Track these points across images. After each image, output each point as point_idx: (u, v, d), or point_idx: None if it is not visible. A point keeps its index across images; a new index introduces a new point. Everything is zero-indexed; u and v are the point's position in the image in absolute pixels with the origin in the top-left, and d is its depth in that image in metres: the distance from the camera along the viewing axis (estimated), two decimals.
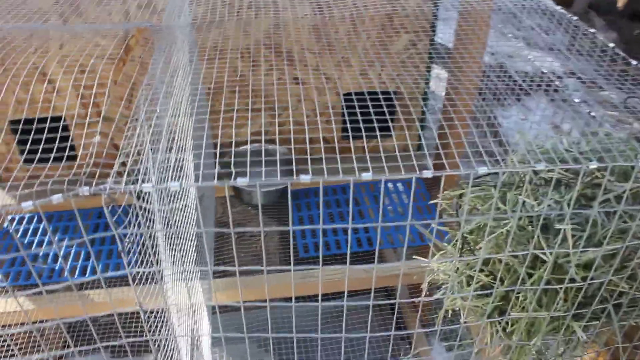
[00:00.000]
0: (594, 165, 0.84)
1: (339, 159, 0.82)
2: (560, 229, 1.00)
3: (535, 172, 1.12)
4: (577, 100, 1.22)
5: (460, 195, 1.21)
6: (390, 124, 1.39)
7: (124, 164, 0.82)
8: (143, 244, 0.95)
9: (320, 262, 0.91)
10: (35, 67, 1.88)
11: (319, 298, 1.00)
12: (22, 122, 1.95)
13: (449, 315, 1.27)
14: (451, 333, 2.60)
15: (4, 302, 1.75)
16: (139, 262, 0.93)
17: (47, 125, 1.29)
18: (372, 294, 0.97)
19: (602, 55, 1.30)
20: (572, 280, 1.00)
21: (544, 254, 1.01)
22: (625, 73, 1.20)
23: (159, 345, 1.03)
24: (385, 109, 1.25)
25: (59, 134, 1.20)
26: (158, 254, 0.92)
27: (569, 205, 1.00)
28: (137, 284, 0.91)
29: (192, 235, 1.42)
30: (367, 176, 0.79)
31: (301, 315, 2.45)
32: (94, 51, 1.88)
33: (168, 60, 1.22)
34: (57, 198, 0.78)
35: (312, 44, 1.99)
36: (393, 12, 1.98)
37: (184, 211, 1.27)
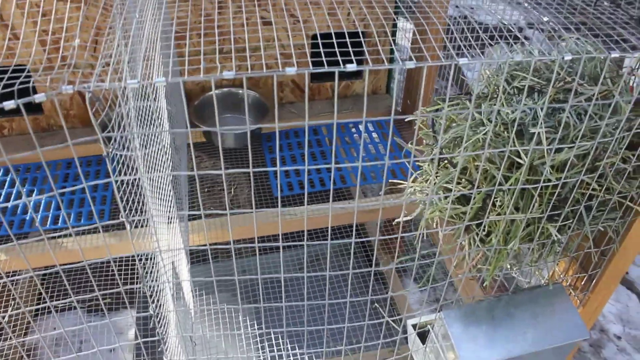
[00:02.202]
0: (568, 56, 0.86)
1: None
2: (534, 134, 1.04)
3: (508, 82, 1.14)
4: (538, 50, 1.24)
5: (436, 111, 1.24)
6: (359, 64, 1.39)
7: (106, 64, 0.81)
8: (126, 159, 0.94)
9: (306, 202, 0.92)
10: None
11: (305, 237, 1.01)
12: None
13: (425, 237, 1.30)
14: (424, 274, 2.67)
15: None
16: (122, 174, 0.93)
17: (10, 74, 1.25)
18: (354, 228, 0.99)
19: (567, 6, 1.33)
20: (547, 182, 1.04)
21: (520, 157, 1.04)
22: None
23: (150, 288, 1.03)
24: (353, 51, 1.25)
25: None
26: (138, 167, 0.91)
27: (542, 109, 1.03)
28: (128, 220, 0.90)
29: (168, 169, 1.42)
30: (352, 67, 0.79)
31: (275, 265, 2.48)
32: None
33: None
34: (39, 97, 0.77)
35: None
36: None
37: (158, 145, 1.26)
